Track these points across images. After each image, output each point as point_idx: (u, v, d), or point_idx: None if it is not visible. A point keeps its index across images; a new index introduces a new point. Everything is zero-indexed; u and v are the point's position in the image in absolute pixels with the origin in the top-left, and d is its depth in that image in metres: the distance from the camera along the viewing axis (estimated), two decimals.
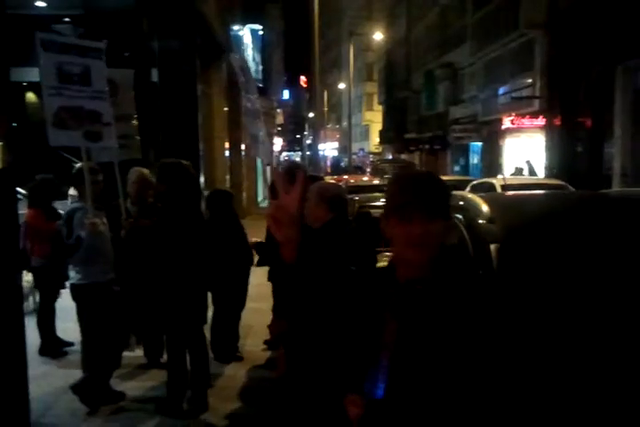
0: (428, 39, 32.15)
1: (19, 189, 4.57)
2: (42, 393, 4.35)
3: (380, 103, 49.75)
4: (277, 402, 3.72)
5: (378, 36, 40.31)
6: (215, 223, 4.80)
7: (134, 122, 4.62)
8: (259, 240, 5.03)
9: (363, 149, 55.64)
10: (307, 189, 3.49)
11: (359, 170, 31.76)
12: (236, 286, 5.20)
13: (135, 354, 4.98)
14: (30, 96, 13.72)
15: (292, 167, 5.14)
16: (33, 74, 12.32)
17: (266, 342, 5.48)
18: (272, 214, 1.43)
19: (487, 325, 1.39)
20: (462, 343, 1.35)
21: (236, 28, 17.63)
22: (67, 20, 10.73)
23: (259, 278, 5.37)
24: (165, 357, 4.38)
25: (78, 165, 4.39)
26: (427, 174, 1.50)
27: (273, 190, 5.07)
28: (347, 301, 1.47)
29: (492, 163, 22.71)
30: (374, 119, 54.92)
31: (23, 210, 5.12)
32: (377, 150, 51.60)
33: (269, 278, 4.88)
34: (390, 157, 42.07)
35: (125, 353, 4.68)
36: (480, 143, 25.11)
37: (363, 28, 45.33)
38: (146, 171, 4.90)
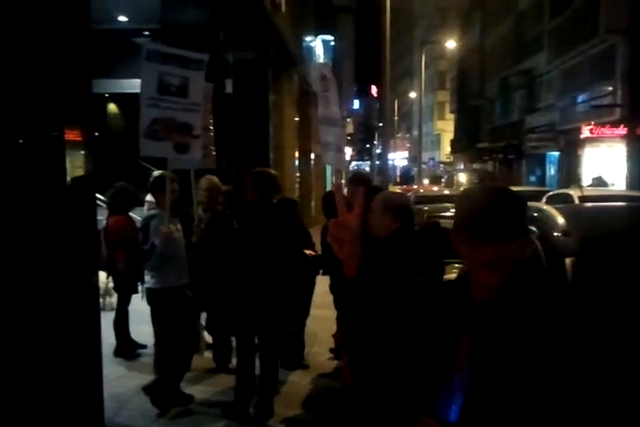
0: (503, 46, 31.48)
1: (98, 195, 4.77)
2: (115, 393, 4.50)
3: (452, 112, 49.06)
4: (341, 413, 3.70)
5: (451, 44, 39.85)
6: (281, 231, 4.86)
7: (211, 133, 4.74)
8: (314, 254, 5.07)
9: (433, 159, 54.95)
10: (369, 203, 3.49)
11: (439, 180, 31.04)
12: (301, 293, 5.22)
13: (204, 358, 5.09)
14: (111, 107, 14.40)
15: (357, 178, 5.15)
16: (114, 85, 12.90)
17: (332, 351, 5.48)
18: (333, 233, 1.38)
19: (567, 344, 1.30)
20: (542, 365, 1.26)
21: (308, 39, 17.88)
22: (146, 33, 11.21)
23: (324, 286, 5.38)
24: (234, 362, 4.45)
25: (155, 173, 4.55)
26: (499, 190, 1.37)
27: (327, 207, 5.05)
28: (412, 314, 1.43)
29: (570, 173, 21.90)
30: (446, 128, 54.18)
31: (101, 216, 5.34)
32: (448, 160, 50.83)
33: (331, 290, 4.90)
34: (462, 166, 41.33)
35: (195, 357, 4.78)
36: (557, 153, 24.27)
37: (435, 37, 44.93)
38: (216, 179, 5.02)
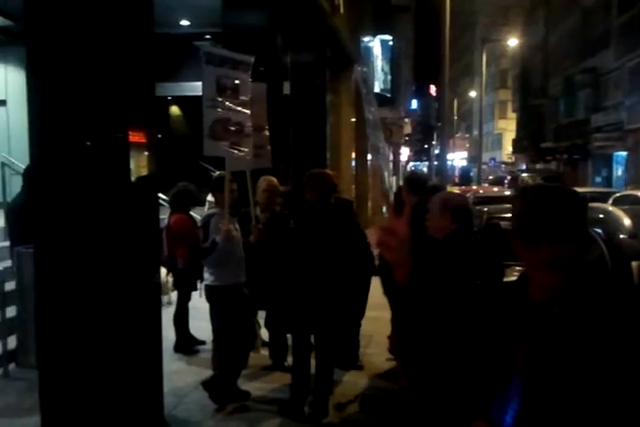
0: (568, 44, 30.51)
1: (160, 195, 4.92)
2: (175, 388, 4.62)
3: (514, 111, 47.93)
4: (397, 415, 3.68)
5: (513, 41, 38.94)
6: (337, 232, 4.88)
7: (266, 133, 4.81)
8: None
9: (494, 159, 53.80)
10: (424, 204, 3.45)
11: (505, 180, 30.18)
12: (357, 294, 5.22)
13: (260, 355, 5.16)
14: (174, 109, 14.79)
15: (412, 178, 5.12)
16: (176, 88, 13.26)
17: (390, 352, 5.45)
18: (380, 239, 1.38)
19: (629, 349, 1.25)
20: (602, 371, 1.22)
21: (366, 39, 17.84)
22: (207, 37, 11.45)
23: (379, 288, 5.36)
24: (290, 360, 4.50)
25: (216, 173, 4.64)
26: (557, 190, 1.33)
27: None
28: (468, 317, 1.41)
29: (638, 174, 21.02)
30: (507, 127, 52.99)
31: (163, 215, 5.50)
32: (510, 160, 49.68)
33: (385, 293, 4.87)
34: (524, 167, 40.31)
35: (251, 354, 4.86)
36: (625, 153, 23.33)
37: (496, 35, 44.02)
38: (274, 179, 5.09)
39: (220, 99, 4.10)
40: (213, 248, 4.24)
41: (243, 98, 4.26)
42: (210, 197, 6.55)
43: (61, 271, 3.44)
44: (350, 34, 13.42)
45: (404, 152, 36.64)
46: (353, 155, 15.52)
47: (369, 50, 18.52)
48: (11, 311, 5.15)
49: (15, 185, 6.61)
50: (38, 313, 3.59)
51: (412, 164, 46.24)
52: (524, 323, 1.31)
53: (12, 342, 5.13)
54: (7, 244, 5.75)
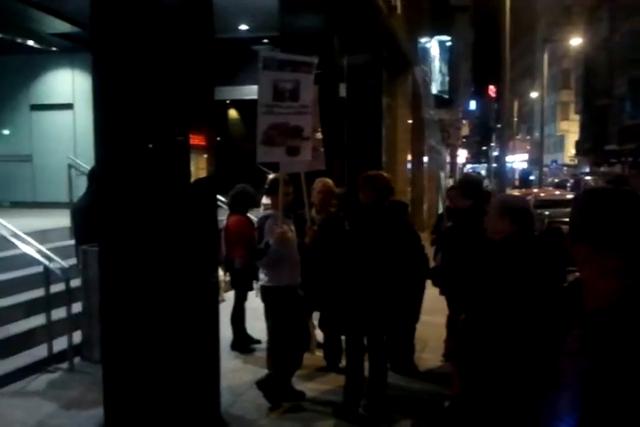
0: (633, 42, 29.35)
1: (219, 196, 5.01)
2: (231, 385, 4.69)
3: (576, 112, 46.45)
4: (451, 421, 3.63)
5: (575, 41, 37.78)
6: (392, 234, 4.86)
7: (319, 135, 4.83)
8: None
9: (556, 161, 52.22)
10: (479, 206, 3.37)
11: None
12: (411, 297, 5.17)
13: (315, 356, 5.18)
14: (232, 113, 15.06)
15: (465, 181, 5.05)
16: (234, 92, 13.45)
17: (444, 357, 5.39)
18: None
19: None
20: None
21: (423, 40, 17.67)
22: (265, 41, 11.60)
23: (434, 292, 5.30)
24: (344, 362, 4.50)
25: (272, 175, 4.69)
26: (623, 193, 1.27)
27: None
28: (524, 321, 1.37)
29: None
30: (570, 129, 51.36)
31: (222, 216, 5.60)
32: (572, 163, 48.14)
33: (442, 292, 4.81)
34: (587, 169, 39.01)
35: (306, 355, 4.89)
36: None
37: (559, 35, 42.79)
38: (330, 181, 5.11)
39: (276, 103, 4.06)
40: (266, 250, 4.29)
41: (303, 100, 4.21)
42: (265, 199, 6.63)
43: (124, 269, 3.56)
44: (407, 35, 13.32)
45: (462, 154, 36.03)
46: (409, 156, 15.39)
47: (426, 51, 18.32)
48: (76, 307, 5.36)
49: (81, 186, 6.86)
50: (102, 309, 3.72)
51: (469, 166, 45.45)
52: (575, 331, 1.27)
53: (77, 336, 5.34)
54: (73, 242, 5.97)
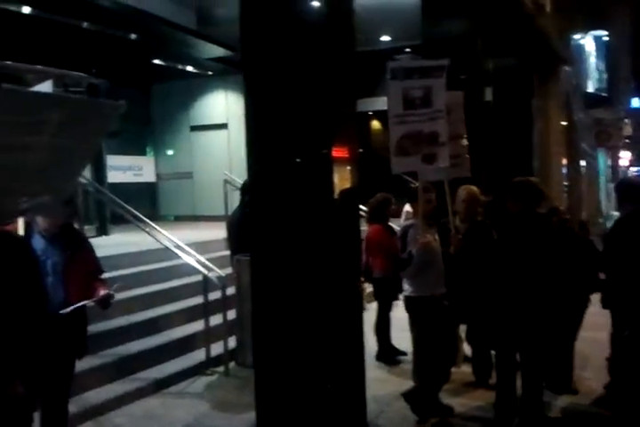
0: None
1: (361, 206, 5.05)
2: (376, 396, 4.67)
3: None
4: None
5: None
6: (546, 244, 4.58)
7: (464, 141, 4.71)
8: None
9: None
10: None
11: None
12: (571, 310, 4.83)
13: (462, 370, 5.02)
14: (374, 124, 15.19)
15: (625, 184, 4.64)
16: (377, 103, 13.58)
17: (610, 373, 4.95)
18: None
19: None
20: None
21: (577, 36, 16.62)
22: (407, 50, 11.58)
23: (597, 306, 4.91)
24: (494, 377, 4.32)
25: (414, 184, 4.65)
26: None
27: None
28: None
29: None
30: None
31: (364, 226, 5.64)
32: None
33: (604, 306, 4.43)
34: None
35: (453, 369, 4.75)
36: None
37: None
38: (475, 189, 4.94)
39: (408, 112, 4.02)
40: (410, 260, 4.24)
41: (437, 105, 4.14)
42: (408, 208, 6.58)
43: (274, 278, 3.71)
44: (558, 33, 12.60)
45: (625, 156, 33.21)
46: (564, 161, 14.48)
47: (580, 48, 17.21)
48: (231, 314, 5.68)
49: (236, 200, 7.29)
50: (254, 316, 3.90)
51: (634, 168, 41.63)
52: None
53: (232, 342, 5.64)
54: (228, 253, 6.34)
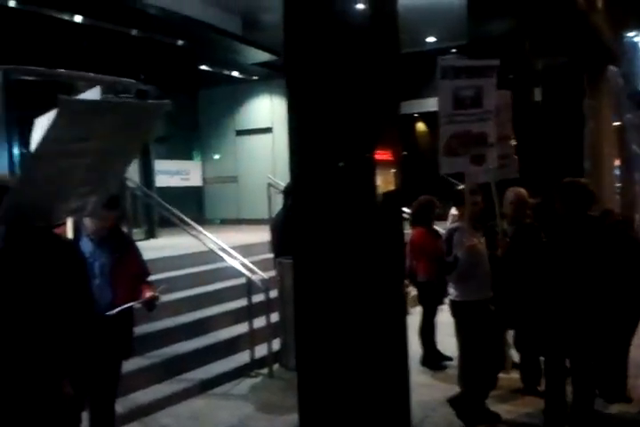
0: None
1: (404, 209, 4.99)
2: (421, 401, 4.59)
3: None
4: None
5: None
6: (600, 247, 4.43)
7: (512, 142, 4.61)
8: None
9: None
10: None
11: None
12: (626, 315, 4.65)
13: (510, 377, 4.90)
14: (419, 126, 15.05)
15: None
16: (421, 105, 13.47)
17: None
18: None
19: None
20: None
21: (631, 34, 16.09)
22: (453, 51, 11.44)
23: None
24: (543, 384, 4.20)
25: (460, 187, 4.58)
26: None
27: None
28: None
29: None
30: None
31: (408, 229, 5.58)
32: None
33: None
34: None
35: (501, 375, 4.64)
36: None
37: None
38: (523, 191, 4.83)
39: (458, 112, 3.97)
40: (456, 263, 4.17)
41: (487, 106, 4.07)
42: (454, 211, 6.49)
43: (316, 280, 3.69)
44: (611, 30, 12.22)
45: None
46: (617, 162, 14.01)
47: (635, 45, 16.63)
48: (274, 316, 5.70)
49: (279, 203, 7.32)
50: (297, 319, 3.89)
51: None
52: None
53: (276, 344, 5.66)
54: (271, 256, 6.37)
